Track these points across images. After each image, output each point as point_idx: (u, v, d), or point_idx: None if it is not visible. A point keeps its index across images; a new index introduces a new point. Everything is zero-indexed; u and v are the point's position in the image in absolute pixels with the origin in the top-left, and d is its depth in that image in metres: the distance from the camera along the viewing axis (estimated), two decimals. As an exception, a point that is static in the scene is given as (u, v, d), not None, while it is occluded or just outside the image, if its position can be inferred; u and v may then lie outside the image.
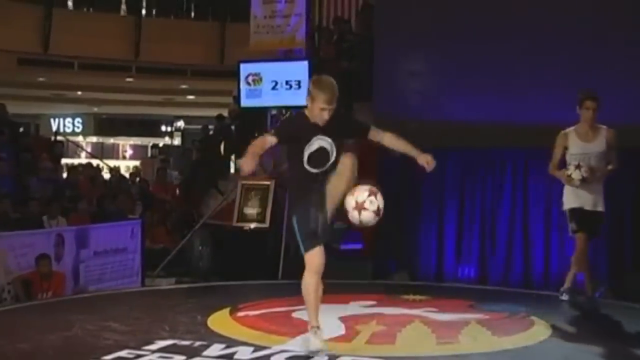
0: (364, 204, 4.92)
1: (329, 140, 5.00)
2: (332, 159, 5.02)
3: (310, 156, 4.97)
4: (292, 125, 5.23)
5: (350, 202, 4.94)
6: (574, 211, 6.94)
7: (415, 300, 7.00)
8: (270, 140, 4.99)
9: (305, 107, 5.08)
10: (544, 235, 9.00)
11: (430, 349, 5.32)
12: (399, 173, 9.42)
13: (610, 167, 6.95)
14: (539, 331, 5.91)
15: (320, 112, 4.94)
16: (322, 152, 5.00)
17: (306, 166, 4.99)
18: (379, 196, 4.97)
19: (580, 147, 6.87)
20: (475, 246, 9.32)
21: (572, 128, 6.96)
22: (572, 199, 6.94)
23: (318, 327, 4.99)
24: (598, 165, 6.84)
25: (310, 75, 9.62)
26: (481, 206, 9.33)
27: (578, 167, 6.73)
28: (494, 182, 9.30)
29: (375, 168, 9.76)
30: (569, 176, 6.78)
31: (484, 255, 9.26)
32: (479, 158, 9.27)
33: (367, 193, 4.94)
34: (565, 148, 6.93)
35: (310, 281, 4.98)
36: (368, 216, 4.95)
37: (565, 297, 7.05)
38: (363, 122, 5.35)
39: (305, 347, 4.99)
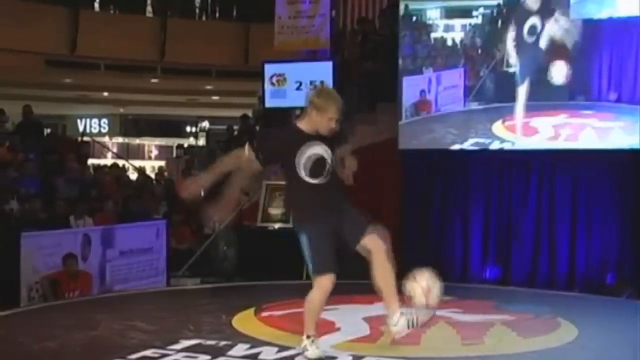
0: (431, 289, 4.98)
1: (324, 146, 4.88)
2: (328, 166, 4.89)
3: (308, 167, 4.86)
4: (278, 138, 5.03)
5: (417, 289, 4.96)
6: None
7: (440, 300, 6.95)
8: (248, 158, 4.87)
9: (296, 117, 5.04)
10: (570, 235, 8.93)
11: (455, 350, 5.29)
12: (425, 174, 9.41)
13: None
14: (565, 333, 5.86)
15: (328, 122, 4.84)
16: (319, 160, 4.88)
17: (308, 179, 4.88)
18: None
19: None
20: (500, 247, 9.26)
21: None
22: None
23: (315, 336, 4.99)
24: None
25: (334, 76, 9.66)
26: (507, 207, 9.27)
27: None
28: (520, 183, 9.23)
29: (400, 169, 9.77)
30: None
31: (509, 256, 9.21)
32: (505, 158, 9.20)
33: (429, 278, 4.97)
34: None
35: (318, 298, 4.95)
36: (435, 299, 5.00)
37: None
38: (346, 134, 5.19)
39: (304, 352, 4.95)
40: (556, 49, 8.72)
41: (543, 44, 8.80)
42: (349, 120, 7.70)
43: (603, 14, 8.54)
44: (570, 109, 8.70)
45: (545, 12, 8.75)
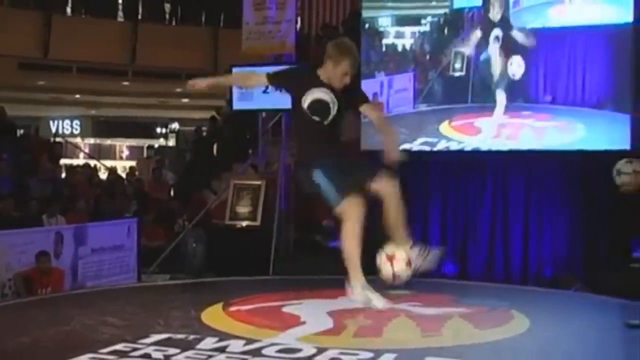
0: (394, 256, 4.88)
1: (331, 94, 4.78)
2: (334, 112, 4.79)
3: (309, 105, 4.75)
4: (295, 74, 4.89)
5: (381, 257, 4.86)
6: None
7: (400, 295, 7.00)
8: (260, 79, 4.80)
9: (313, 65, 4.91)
10: (523, 233, 9.06)
11: (415, 342, 5.32)
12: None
13: None
14: (518, 324, 5.93)
15: (342, 77, 4.71)
16: (321, 103, 4.77)
17: (311, 115, 4.76)
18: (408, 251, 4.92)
19: None
20: (458, 244, 9.36)
21: None
22: None
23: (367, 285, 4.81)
24: None
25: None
26: (464, 207, 9.37)
27: None
28: (476, 184, 9.34)
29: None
30: None
31: (467, 253, 9.30)
32: (462, 160, 9.29)
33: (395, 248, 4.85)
34: None
35: (352, 231, 4.63)
36: (400, 267, 4.91)
37: None
38: (363, 93, 5.08)
39: (366, 303, 4.81)
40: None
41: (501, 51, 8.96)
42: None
43: (536, 23, 8.76)
44: (511, 110, 8.88)
45: (505, 22, 8.94)
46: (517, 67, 8.81)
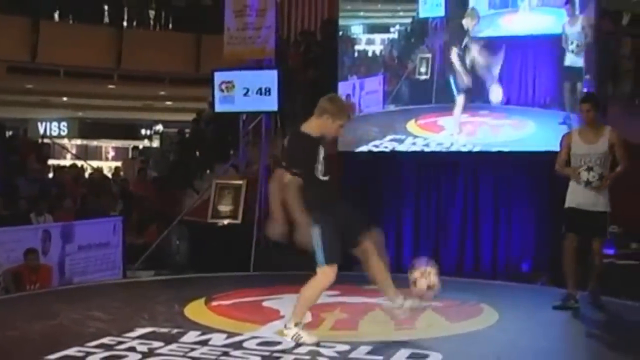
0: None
1: (324, 148, 5.00)
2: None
3: (323, 167, 4.95)
4: (304, 152, 4.94)
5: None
6: (567, 211, 6.40)
7: (375, 290, 7.01)
8: (294, 179, 4.84)
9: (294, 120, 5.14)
10: (493, 231, 9.13)
11: (389, 335, 5.35)
12: (362, 174, 9.51)
13: (619, 168, 6.25)
14: (487, 317, 5.99)
15: (338, 129, 4.98)
16: (326, 159, 4.99)
17: (321, 177, 4.94)
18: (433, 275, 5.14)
19: (582, 147, 6.29)
20: (430, 241, 9.40)
21: (576, 128, 6.46)
22: (569, 198, 6.39)
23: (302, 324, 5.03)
24: (602, 167, 6.21)
25: (279, 83, 9.69)
26: (436, 205, 9.43)
27: (589, 169, 6.17)
28: (448, 184, 9.41)
29: (339, 170, 9.82)
30: (579, 174, 6.20)
31: (438, 249, 9.34)
32: (434, 161, 9.35)
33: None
34: (570, 148, 6.37)
35: (322, 287, 4.95)
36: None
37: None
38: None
39: (298, 340, 4.94)
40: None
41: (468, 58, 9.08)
42: (295, 123, 7.73)
43: (489, 32, 8.97)
44: (471, 110, 9.08)
45: (466, 30, 9.08)
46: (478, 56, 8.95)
